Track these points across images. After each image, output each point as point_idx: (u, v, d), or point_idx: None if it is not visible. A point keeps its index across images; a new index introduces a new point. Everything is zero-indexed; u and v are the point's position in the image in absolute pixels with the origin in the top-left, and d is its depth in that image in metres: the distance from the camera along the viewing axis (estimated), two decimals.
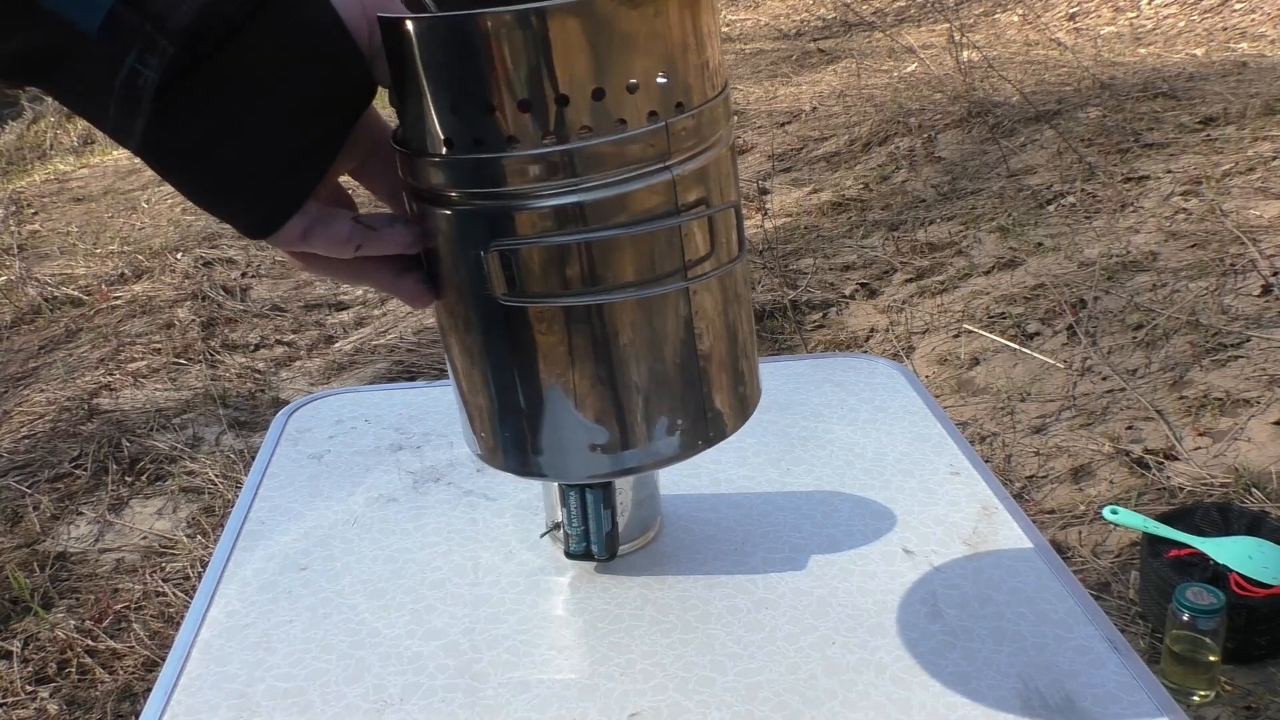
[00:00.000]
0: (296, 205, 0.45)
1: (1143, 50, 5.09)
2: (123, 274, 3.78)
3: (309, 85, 0.43)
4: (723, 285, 0.50)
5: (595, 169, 0.44)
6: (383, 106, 0.49)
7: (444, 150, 0.45)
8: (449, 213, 0.47)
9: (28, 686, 1.84)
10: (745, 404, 0.54)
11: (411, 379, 2.87)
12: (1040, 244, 3.11)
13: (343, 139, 0.45)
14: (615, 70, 0.43)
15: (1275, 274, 2.68)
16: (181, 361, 3.03)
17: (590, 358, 0.48)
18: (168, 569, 2.12)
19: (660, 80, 0.44)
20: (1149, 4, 5.83)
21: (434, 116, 0.44)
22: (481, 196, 0.45)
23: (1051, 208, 3.36)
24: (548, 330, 0.48)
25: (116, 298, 3.59)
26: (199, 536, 2.20)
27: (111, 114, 0.41)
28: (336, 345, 3.10)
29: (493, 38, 0.42)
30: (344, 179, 0.50)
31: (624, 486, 0.75)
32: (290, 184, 0.44)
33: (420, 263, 0.50)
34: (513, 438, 0.51)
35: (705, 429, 0.52)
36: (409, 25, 0.43)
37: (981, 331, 2.71)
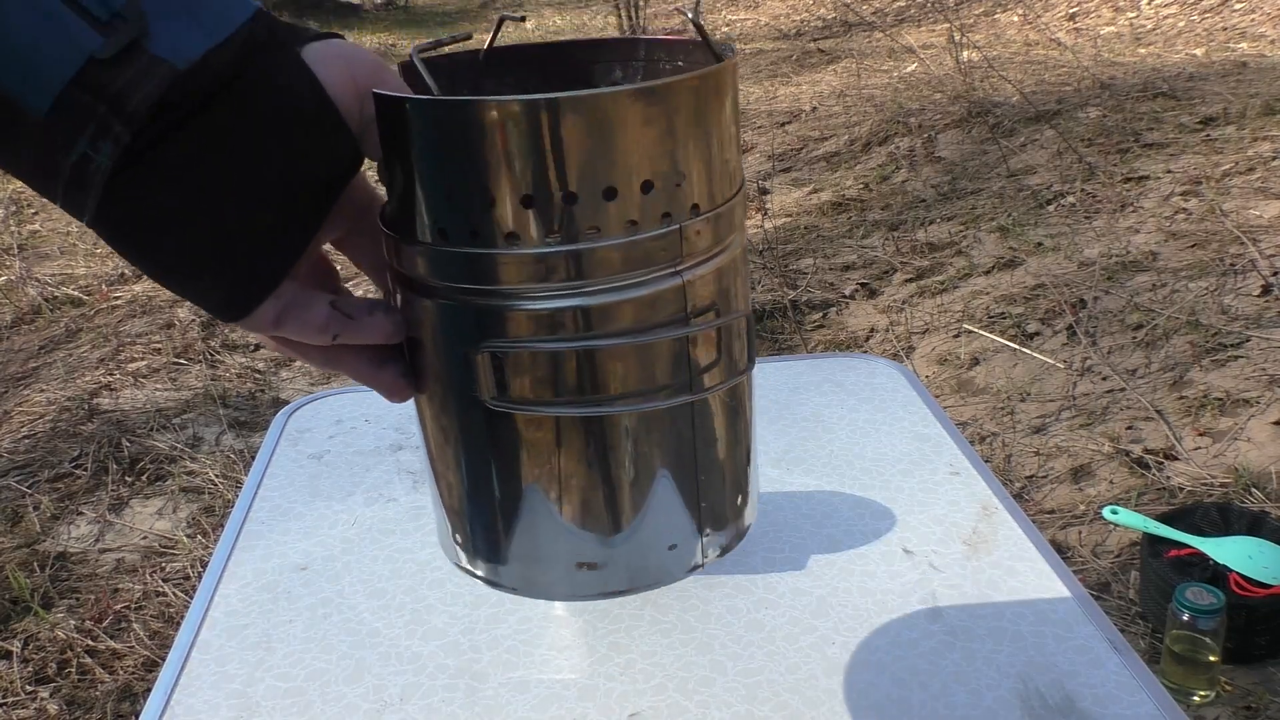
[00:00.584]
0: (269, 289, 0.40)
1: (1143, 50, 5.09)
2: (123, 274, 3.77)
3: (285, 161, 0.39)
4: (728, 399, 0.47)
5: (601, 272, 0.40)
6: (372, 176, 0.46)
7: (436, 241, 0.41)
8: (437, 305, 0.43)
9: (28, 686, 1.84)
10: (741, 523, 0.51)
11: None
12: (1040, 244, 3.11)
13: (322, 216, 0.41)
14: (630, 168, 0.39)
15: (1275, 274, 2.68)
16: (181, 361, 3.03)
17: (583, 471, 0.44)
18: (168, 569, 2.12)
19: (677, 181, 0.41)
20: (1149, 4, 5.84)
21: (428, 204, 0.40)
22: (475, 293, 0.41)
23: (1051, 208, 3.36)
24: (538, 439, 0.44)
25: (116, 298, 3.59)
26: (199, 536, 2.20)
27: (61, 192, 0.37)
28: None
29: (498, 127, 0.38)
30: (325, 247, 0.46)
31: None
32: (262, 266, 0.40)
33: (402, 353, 0.46)
34: (492, 550, 0.48)
35: (700, 550, 0.48)
36: (406, 105, 0.39)
37: (981, 331, 2.71)
